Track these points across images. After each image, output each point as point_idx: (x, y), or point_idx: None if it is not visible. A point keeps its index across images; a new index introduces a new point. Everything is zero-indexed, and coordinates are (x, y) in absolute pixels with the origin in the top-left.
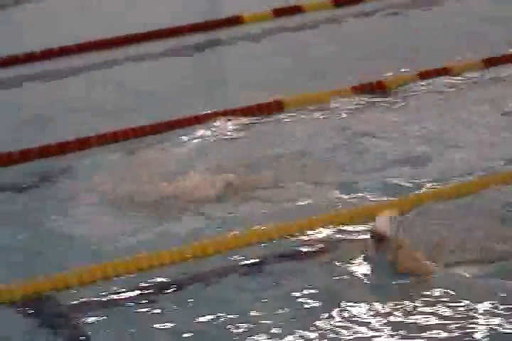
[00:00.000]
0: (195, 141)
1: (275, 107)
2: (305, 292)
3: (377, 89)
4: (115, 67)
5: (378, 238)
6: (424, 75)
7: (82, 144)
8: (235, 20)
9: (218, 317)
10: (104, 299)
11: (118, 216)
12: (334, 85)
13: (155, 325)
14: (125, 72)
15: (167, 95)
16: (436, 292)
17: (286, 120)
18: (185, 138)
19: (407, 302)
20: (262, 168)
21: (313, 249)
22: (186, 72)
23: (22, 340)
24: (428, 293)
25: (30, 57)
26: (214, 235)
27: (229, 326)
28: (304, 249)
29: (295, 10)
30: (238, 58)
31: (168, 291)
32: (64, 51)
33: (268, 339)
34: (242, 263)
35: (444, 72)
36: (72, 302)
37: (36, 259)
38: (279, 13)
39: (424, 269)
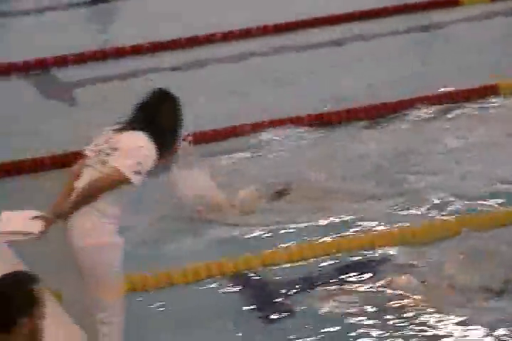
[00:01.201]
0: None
1: (489, 92)
2: None
3: None
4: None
5: None
6: None
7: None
8: (451, 2)
9: None
10: (307, 276)
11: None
12: None
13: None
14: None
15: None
16: None
17: None
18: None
19: None
20: None
21: None
22: (396, 54)
23: (233, 313)
24: None
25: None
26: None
27: None
28: None
29: None
30: (451, 41)
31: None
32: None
33: None
34: None
35: None
36: (277, 278)
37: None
38: None
39: None
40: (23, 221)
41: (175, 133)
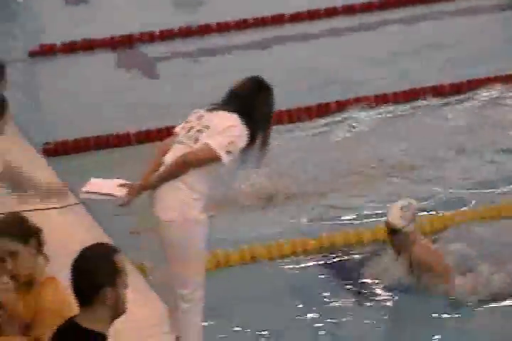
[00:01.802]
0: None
1: None
2: None
3: None
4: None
5: (391, 230)
6: None
7: None
8: None
9: None
10: None
11: None
12: None
13: None
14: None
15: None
16: None
17: None
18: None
19: None
20: None
21: None
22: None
23: (319, 287)
24: None
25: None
26: None
27: None
28: None
29: None
30: None
31: None
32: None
33: None
34: None
35: None
36: (359, 257)
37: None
38: None
39: (442, 266)
40: (110, 186)
41: (266, 123)
